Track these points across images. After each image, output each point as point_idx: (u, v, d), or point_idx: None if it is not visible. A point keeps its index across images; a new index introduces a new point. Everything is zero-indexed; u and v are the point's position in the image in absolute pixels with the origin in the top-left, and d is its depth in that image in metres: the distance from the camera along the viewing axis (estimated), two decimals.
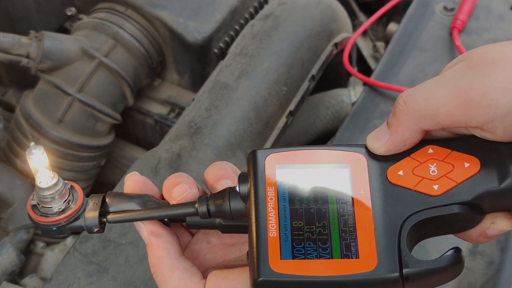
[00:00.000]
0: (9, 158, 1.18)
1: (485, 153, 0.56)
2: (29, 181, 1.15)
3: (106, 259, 0.88)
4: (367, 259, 0.54)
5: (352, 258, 0.54)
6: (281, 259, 0.54)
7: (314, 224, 0.55)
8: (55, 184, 0.57)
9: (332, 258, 0.54)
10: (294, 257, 0.54)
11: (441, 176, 0.56)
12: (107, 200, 0.62)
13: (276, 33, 1.10)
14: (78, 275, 0.87)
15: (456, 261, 0.54)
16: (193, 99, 1.05)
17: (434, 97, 0.54)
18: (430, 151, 0.57)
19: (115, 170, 1.29)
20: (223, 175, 0.62)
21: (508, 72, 0.52)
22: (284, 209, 0.56)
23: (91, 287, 0.85)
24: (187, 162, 0.96)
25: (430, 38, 1.17)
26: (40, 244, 1.12)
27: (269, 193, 0.56)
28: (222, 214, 0.60)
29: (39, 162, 0.56)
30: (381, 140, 0.57)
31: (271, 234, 0.55)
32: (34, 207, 0.59)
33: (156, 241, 0.60)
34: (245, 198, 0.58)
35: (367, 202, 0.56)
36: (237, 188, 0.59)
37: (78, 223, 0.60)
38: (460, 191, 0.55)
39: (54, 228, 0.59)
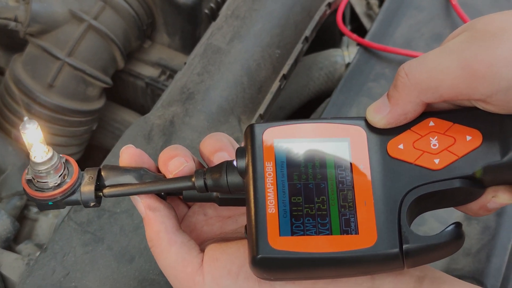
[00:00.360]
0: (0, 124, 1.16)
1: (488, 125, 0.55)
2: (20, 146, 1.13)
3: (101, 228, 0.87)
4: (367, 235, 0.53)
5: (352, 234, 0.53)
6: (280, 235, 0.53)
7: (313, 200, 0.55)
8: (50, 159, 0.57)
9: (331, 234, 0.54)
10: (293, 234, 0.54)
11: (442, 150, 0.55)
12: (102, 173, 0.61)
13: None
14: (73, 245, 0.86)
15: (456, 236, 0.54)
16: (185, 63, 1.04)
17: (438, 68, 0.52)
18: (431, 123, 0.57)
19: (107, 134, 1.28)
20: (220, 147, 0.62)
21: None
22: (283, 185, 0.55)
23: (87, 256, 0.85)
24: (180, 129, 0.95)
25: None
26: (34, 210, 1.12)
27: (267, 169, 0.56)
28: (219, 188, 0.59)
29: (33, 137, 0.55)
30: (381, 113, 0.56)
31: (270, 210, 0.54)
32: (29, 181, 0.59)
33: (153, 215, 0.60)
34: (242, 173, 0.58)
35: (367, 176, 0.55)
36: (235, 163, 0.58)
37: (74, 197, 0.60)
38: (462, 165, 0.54)
39: (50, 203, 0.59)
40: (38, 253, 0.91)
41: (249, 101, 1.00)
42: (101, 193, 0.61)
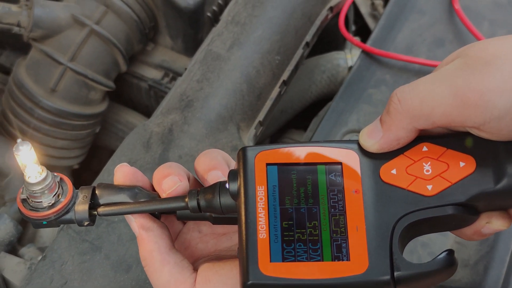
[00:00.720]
0: (4, 127, 1.17)
1: (481, 152, 0.54)
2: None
3: (99, 237, 0.88)
4: (358, 261, 0.53)
5: (343, 260, 0.53)
6: (271, 261, 0.53)
7: (305, 225, 0.55)
8: (44, 179, 0.57)
9: (322, 260, 0.53)
10: (284, 259, 0.53)
11: (435, 176, 0.55)
12: (97, 192, 0.62)
13: (269, 0, 1.08)
14: (71, 253, 0.87)
15: (449, 264, 0.54)
16: (186, 68, 1.04)
17: (430, 96, 0.52)
18: (425, 149, 0.56)
19: (110, 135, 1.29)
20: (214, 165, 0.62)
21: (506, 71, 0.50)
22: (274, 209, 0.55)
23: (84, 265, 0.86)
24: (179, 137, 0.95)
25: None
26: None
27: (259, 193, 0.56)
28: (212, 209, 0.59)
29: (27, 158, 0.56)
30: (374, 138, 0.56)
31: (261, 235, 0.54)
32: (23, 201, 0.59)
33: (146, 235, 0.60)
34: (234, 196, 0.58)
35: (359, 201, 0.55)
36: (227, 185, 0.58)
37: (68, 216, 0.60)
38: (455, 191, 0.54)
39: (44, 223, 0.59)
40: (39, 258, 0.92)
41: (248, 108, 1.00)
42: (95, 212, 0.61)
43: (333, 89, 1.22)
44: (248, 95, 1.00)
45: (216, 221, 0.62)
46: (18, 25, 1.10)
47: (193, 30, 1.19)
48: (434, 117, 0.52)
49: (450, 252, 0.54)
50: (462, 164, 0.55)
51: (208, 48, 1.04)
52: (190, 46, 1.22)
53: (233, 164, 0.64)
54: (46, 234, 1.13)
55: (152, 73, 1.24)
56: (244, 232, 0.55)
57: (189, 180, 0.63)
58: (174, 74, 1.22)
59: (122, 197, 0.61)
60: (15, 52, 1.35)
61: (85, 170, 1.34)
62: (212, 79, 1.00)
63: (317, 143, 0.58)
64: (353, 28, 1.35)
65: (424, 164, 0.56)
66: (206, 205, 0.59)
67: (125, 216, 0.62)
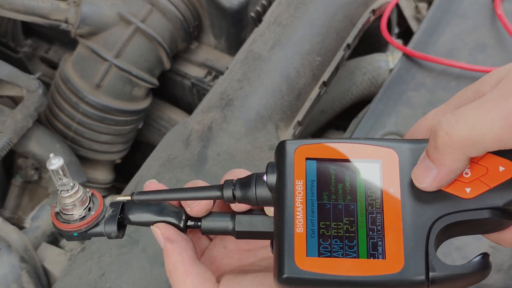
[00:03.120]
0: (50, 121, 1.20)
1: None
2: (68, 143, 1.17)
3: (137, 231, 0.90)
4: (394, 260, 0.54)
5: (379, 258, 0.54)
6: (307, 256, 0.54)
7: (342, 221, 0.55)
8: (76, 192, 0.60)
9: (358, 257, 0.54)
10: (320, 255, 0.54)
11: (474, 179, 0.55)
12: (125, 207, 0.64)
13: (311, 1, 1.08)
14: (110, 246, 0.90)
15: (483, 267, 0.54)
16: (227, 68, 1.06)
17: (480, 122, 0.51)
18: None
19: (153, 131, 1.31)
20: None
21: None
22: (312, 204, 0.55)
23: (122, 258, 0.88)
24: (218, 135, 0.97)
25: (472, 4, 1.14)
26: None
27: (298, 187, 0.56)
28: (247, 200, 0.60)
29: (60, 172, 0.58)
30: (429, 177, 0.55)
31: (298, 230, 0.55)
32: (57, 214, 0.62)
33: (171, 247, 0.62)
34: (272, 188, 0.58)
35: (397, 200, 0.55)
36: (264, 177, 0.59)
37: (98, 229, 0.63)
38: (493, 195, 0.54)
39: (75, 234, 0.62)
40: (79, 249, 0.95)
41: (287, 108, 1.01)
42: (125, 223, 0.64)
43: (373, 91, 1.22)
44: (288, 95, 1.01)
45: (239, 235, 0.63)
46: (66, 21, 1.13)
47: (237, 29, 1.21)
48: (486, 143, 0.52)
49: (485, 255, 0.54)
50: (501, 168, 0.55)
51: (250, 48, 1.05)
52: (233, 45, 1.23)
53: None
54: None
55: (195, 71, 1.26)
56: (281, 226, 0.55)
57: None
58: (216, 73, 1.23)
59: (150, 212, 0.64)
60: (63, 47, 1.39)
61: (128, 165, 1.37)
62: (252, 79, 1.01)
63: (357, 139, 0.58)
64: (396, 30, 1.35)
65: None
66: (241, 195, 0.60)
67: (152, 229, 0.64)
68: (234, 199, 0.60)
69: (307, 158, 0.57)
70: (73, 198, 0.60)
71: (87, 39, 1.16)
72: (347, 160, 0.57)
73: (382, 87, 1.06)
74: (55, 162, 0.57)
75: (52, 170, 0.57)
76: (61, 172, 0.57)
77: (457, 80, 1.05)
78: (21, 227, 1.09)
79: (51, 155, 0.57)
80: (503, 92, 0.51)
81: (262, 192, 0.59)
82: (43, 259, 1.02)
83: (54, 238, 1.11)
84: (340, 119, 1.30)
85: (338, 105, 1.24)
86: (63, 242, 1.09)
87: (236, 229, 0.62)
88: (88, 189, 0.62)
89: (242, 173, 0.63)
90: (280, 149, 0.58)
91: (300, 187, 0.56)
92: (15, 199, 1.19)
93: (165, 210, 0.63)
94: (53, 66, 1.39)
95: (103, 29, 1.15)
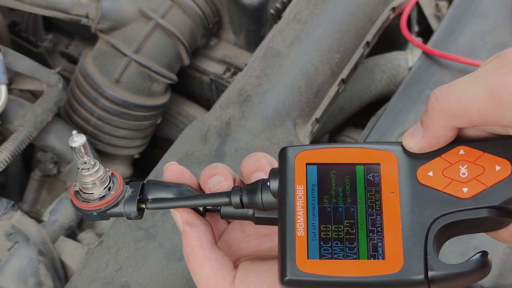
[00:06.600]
0: (69, 115, 1.21)
1: None
2: (87, 138, 1.18)
3: (154, 226, 0.91)
4: (393, 260, 0.54)
5: (379, 259, 0.55)
6: (308, 258, 0.55)
7: (342, 223, 0.56)
8: (97, 171, 0.60)
9: (358, 258, 0.55)
10: (321, 257, 0.55)
11: (471, 179, 0.56)
12: (145, 188, 0.64)
13: None
14: (127, 240, 0.90)
15: (482, 265, 0.54)
16: (246, 64, 1.06)
17: (465, 94, 0.53)
18: (462, 152, 0.57)
19: (171, 126, 1.32)
20: (258, 167, 0.64)
21: None
22: (313, 208, 0.57)
23: (139, 252, 0.89)
24: (236, 131, 0.97)
25: (492, 3, 1.13)
26: None
27: (298, 192, 0.57)
28: (254, 205, 0.61)
29: (82, 150, 0.58)
30: (415, 138, 0.57)
31: (299, 233, 0.56)
32: (76, 193, 0.62)
33: (190, 231, 0.62)
34: (275, 193, 0.60)
35: (396, 202, 0.56)
36: (268, 183, 0.60)
37: (117, 209, 0.62)
38: (490, 194, 0.55)
39: (94, 214, 0.62)
40: (96, 243, 0.95)
41: (306, 105, 1.01)
42: (143, 206, 0.64)
43: (392, 89, 1.22)
44: (306, 92, 1.01)
45: (258, 221, 0.64)
46: (87, 16, 1.14)
47: (256, 26, 1.21)
48: (470, 115, 0.53)
49: (484, 253, 0.55)
50: (498, 167, 0.55)
51: (269, 44, 1.05)
52: (253, 42, 1.24)
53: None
54: (105, 221, 1.17)
55: (214, 67, 1.26)
56: (283, 230, 0.57)
57: (235, 181, 0.65)
58: (235, 69, 1.24)
59: (169, 194, 0.63)
60: (83, 42, 1.40)
61: (146, 160, 1.37)
62: (271, 75, 1.01)
63: (357, 144, 0.59)
64: (416, 28, 1.34)
65: (460, 167, 0.56)
66: (248, 201, 0.61)
67: (171, 212, 0.64)
68: (242, 204, 0.61)
69: (307, 164, 0.58)
70: (93, 177, 0.59)
71: (107, 34, 1.16)
72: (347, 164, 0.58)
73: (401, 85, 1.06)
74: (78, 140, 0.57)
75: (74, 148, 0.57)
76: (83, 150, 0.57)
77: None
78: (39, 221, 1.10)
79: (74, 132, 0.57)
80: (492, 68, 0.52)
81: (268, 197, 0.60)
82: (60, 253, 1.02)
83: (72, 232, 1.12)
84: (358, 117, 1.30)
85: (356, 103, 1.24)
86: (81, 235, 1.10)
87: (256, 215, 0.63)
88: (108, 169, 0.62)
89: (262, 157, 0.64)
90: (282, 155, 0.59)
91: (301, 192, 0.57)
92: (33, 193, 1.20)
93: (185, 193, 0.63)
94: (73, 61, 1.40)
95: (123, 25, 1.15)
